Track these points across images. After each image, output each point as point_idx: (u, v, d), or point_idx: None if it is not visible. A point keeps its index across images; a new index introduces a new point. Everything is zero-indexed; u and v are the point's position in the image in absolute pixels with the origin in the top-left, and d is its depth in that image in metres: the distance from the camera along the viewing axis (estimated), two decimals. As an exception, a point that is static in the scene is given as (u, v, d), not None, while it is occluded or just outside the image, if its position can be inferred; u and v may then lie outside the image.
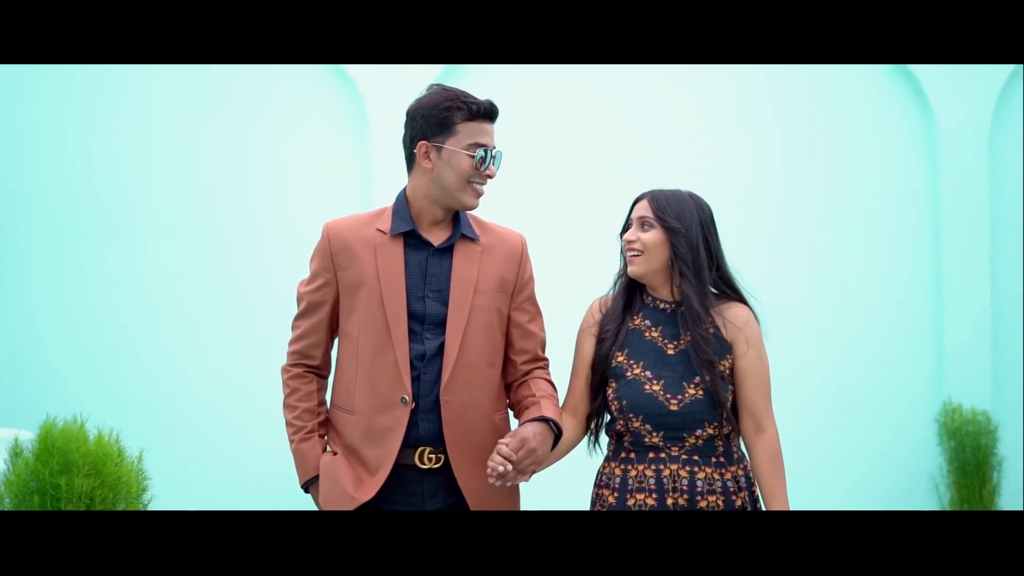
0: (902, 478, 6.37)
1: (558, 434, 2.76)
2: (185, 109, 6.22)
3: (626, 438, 2.84)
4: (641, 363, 2.82)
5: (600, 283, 3.08)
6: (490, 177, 2.81)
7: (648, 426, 2.79)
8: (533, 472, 2.70)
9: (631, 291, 2.91)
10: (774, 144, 6.44)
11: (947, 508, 6.19)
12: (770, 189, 6.39)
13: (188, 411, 6.00)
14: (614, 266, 3.01)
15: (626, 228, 2.92)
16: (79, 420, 3.39)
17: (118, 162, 6.19)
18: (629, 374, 2.81)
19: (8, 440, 3.84)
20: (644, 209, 2.86)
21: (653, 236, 2.83)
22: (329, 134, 6.28)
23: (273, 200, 6.20)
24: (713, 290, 2.88)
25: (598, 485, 2.90)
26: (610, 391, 2.83)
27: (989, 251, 6.42)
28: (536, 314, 2.92)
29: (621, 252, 2.94)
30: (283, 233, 6.10)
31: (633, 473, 2.80)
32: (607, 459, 2.90)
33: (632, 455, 2.82)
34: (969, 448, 6.15)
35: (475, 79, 6.20)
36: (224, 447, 5.96)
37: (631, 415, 2.79)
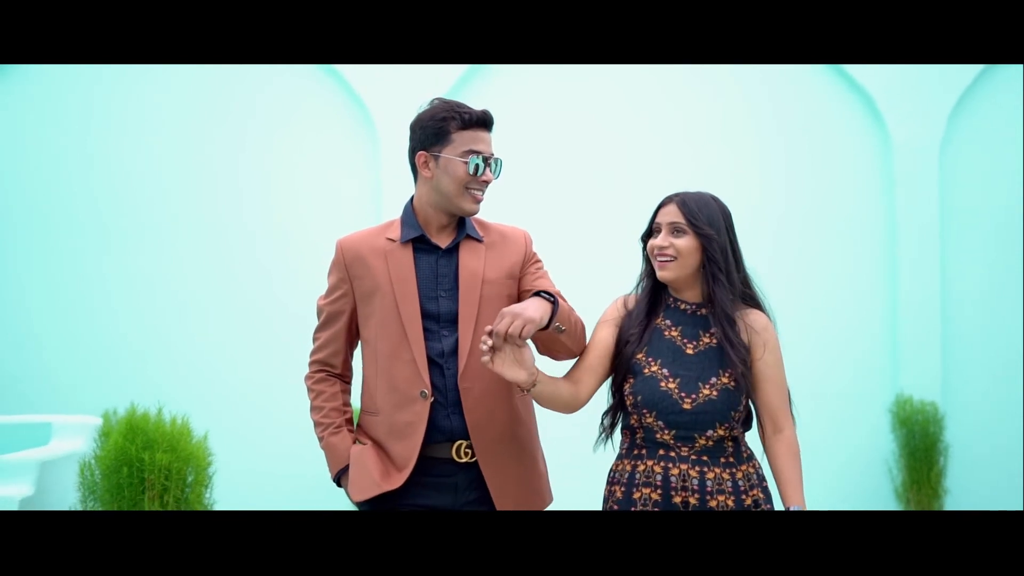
0: (859, 462, 6.94)
1: (554, 303, 2.76)
2: (184, 108, 6.73)
3: (639, 434, 2.81)
4: (659, 360, 2.80)
5: (609, 278, 3.18)
6: (487, 183, 2.87)
7: (660, 423, 2.76)
8: (529, 332, 2.66)
9: (655, 294, 2.90)
10: (747, 157, 6.99)
11: (899, 488, 6.77)
12: (741, 198, 6.66)
13: (240, 398, 6.59)
14: (622, 262, 3.08)
15: (650, 232, 2.90)
16: (159, 406, 4.11)
17: (136, 162, 6.74)
18: (647, 371, 2.79)
19: (89, 425, 4.62)
20: (674, 214, 2.83)
21: (687, 242, 2.81)
22: (332, 134, 6.78)
23: (291, 201, 6.76)
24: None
25: (610, 482, 2.87)
26: (627, 387, 2.81)
27: (939, 257, 6.98)
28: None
29: (645, 256, 2.92)
30: (303, 237, 6.70)
31: (641, 468, 2.78)
32: (620, 457, 2.87)
33: (643, 451, 2.79)
34: (918, 435, 6.70)
35: (479, 82, 6.83)
36: (268, 429, 6.56)
37: (644, 410, 2.77)
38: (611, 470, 2.89)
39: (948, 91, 7.02)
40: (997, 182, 7.06)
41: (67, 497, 4.25)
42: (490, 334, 2.65)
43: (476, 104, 3.01)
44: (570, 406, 2.83)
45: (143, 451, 3.96)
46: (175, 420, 4.09)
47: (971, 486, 6.90)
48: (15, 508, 3.94)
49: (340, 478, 2.91)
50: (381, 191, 6.64)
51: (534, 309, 2.68)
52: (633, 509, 2.77)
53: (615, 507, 2.81)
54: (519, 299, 2.90)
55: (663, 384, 2.77)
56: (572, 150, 6.93)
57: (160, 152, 6.78)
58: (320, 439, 2.93)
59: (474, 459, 2.82)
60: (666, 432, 2.76)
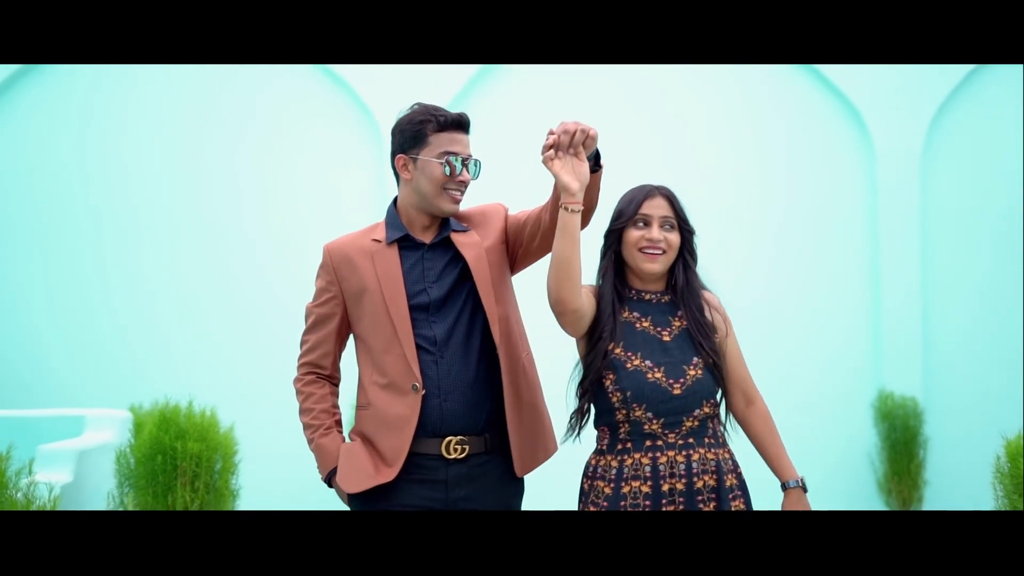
0: (844, 454, 7.28)
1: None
2: (189, 108, 7.11)
3: (623, 429, 2.81)
4: (639, 353, 2.82)
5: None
6: (464, 183, 2.92)
7: (650, 414, 2.78)
8: (594, 138, 2.69)
9: (616, 287, 2.91)
10: (734, 166, 7.34)
11: (881, 479, 7.10)
12: (731, 204, 7.25)
13: (261, 391, 6.90)
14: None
15: (629, 222, 2.90)
16: (189, 400, 4.46)
17: (151, 163, 7.12)
18: (629, 365, 2.80)
19: (119, 418, 4.98)
20: (665, 208, 2.90)
21: (675, 237, 2.89)
22: (336, 135, 7.15)
23: (308, 202, 7.12)
24: None
25: (591, 476, 2.86)
26: (608, 383, 2.81)
27: (920, 259, 7.32)
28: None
29: (611, 245, 2.93)
30: (316, 237, 7.01)
31: (629, 462, 2.78)
32: (600, 452, 2.87)
33: (628, 444, 2.79)
34: (899, 429, 7.03)
35: (480, 83, 7.10)
36: (287, 420, 6.78)
37: (634, 404, 2.78)
38: (590, 465, 2.88)
39: (928, 101, 7.36)
40: (975, 187, 7.39)
41: (104, 484, 4.61)
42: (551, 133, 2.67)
43: (478, 105, 2.94)
44: (574, 289, 2.75)
45: (176, 440, 4.32)
46: (203, 412, 4.45)
47: (949, 478, 7.20)
48: (56, 494, 4.28)
49: (330, 479, 2.94)
50: (386, 190, 6.95)
51: (592, 135, 2.70)
52: (622, 504, 2.78)
53: (604, 504, 2.80)
54: (516, 240, 2.98)
55: (650, 376, 2.79)
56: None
57: (176, 150, 7.13)
58: (310, 441, 2.96)
59: (463, 455, 2.86)
60: (655, 422, 2.78)
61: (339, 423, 2.98)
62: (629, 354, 2.81)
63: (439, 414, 2.86)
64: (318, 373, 3.00)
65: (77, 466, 4.53)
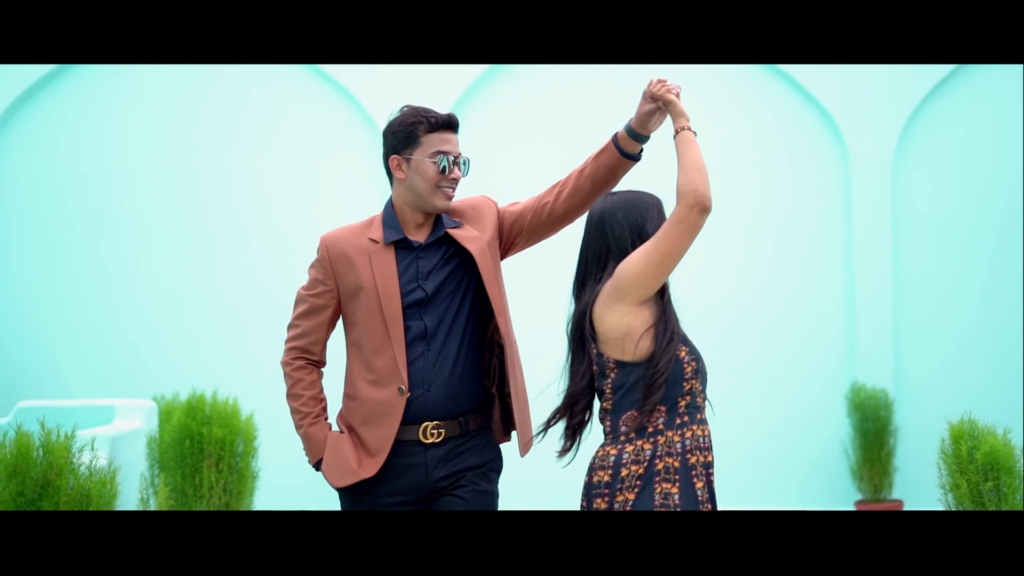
0: (818, 443, 7.66)
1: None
2: (176, 108, 7.51)
3: (683, 402, 2.87)
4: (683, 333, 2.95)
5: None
6: (456, 180, 3.04)
7: (701, 386, 2.91)
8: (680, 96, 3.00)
9: None
10: (711, 167, 7.55)
11: (854, 466, 7.46)
12: (719, 206, 7.59)
13: (277, 382, 7.25)
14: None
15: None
16: (214, 390, 4.94)
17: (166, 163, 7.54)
18: (692, 340, 2.94)
19: (144, 408, 5.47)
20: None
21: None
22: (336, 135, 7.53)
23: (318, 199, 7.47)
24: None
25: (650, 459, 2.83)
26: (683, 354, 2.88)
27: (892, 260, 7.66)
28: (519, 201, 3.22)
29: None
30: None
31: (689, 434, 2.85)
32: (656, 433, 2.85)
33: (686, 418, 2.86)
34: (871, 419, 7.38)
35: (477, 82, 7.41)
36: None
37: (699, 375, 2.91)
38: (643, 450, 2.84)
39: (901, 107, 7.71)
40: (946, 190, 7.75)
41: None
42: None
43: (476, 105, 3.06)
44: (706, 187, 3.04)
45: (202, 427, 4.81)
46: (227, 401, 4.94)
47: (918, 465, 7.43)
48: (115, 468, 4.70)
49: (319, 465, 3.10)
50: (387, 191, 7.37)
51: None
52: (693, 473, 2.83)
53: (677, 477, 2.82)
54: (512, 230, 3.16)
55: (701, 352, 2.96)
56: (567, 150, 7.41)
57: (185, 149, 7.54)
58: (299, 427, 3.10)
59: (440, 439, 3.02)
60: (701, 395, 2.92)
61: (325, 409, 3.13)
62: (684, 332, 2.94)
63: (421, 403, 3.01)
64: (307, 358, 3.12)
65: (111, 450, 5.01)
